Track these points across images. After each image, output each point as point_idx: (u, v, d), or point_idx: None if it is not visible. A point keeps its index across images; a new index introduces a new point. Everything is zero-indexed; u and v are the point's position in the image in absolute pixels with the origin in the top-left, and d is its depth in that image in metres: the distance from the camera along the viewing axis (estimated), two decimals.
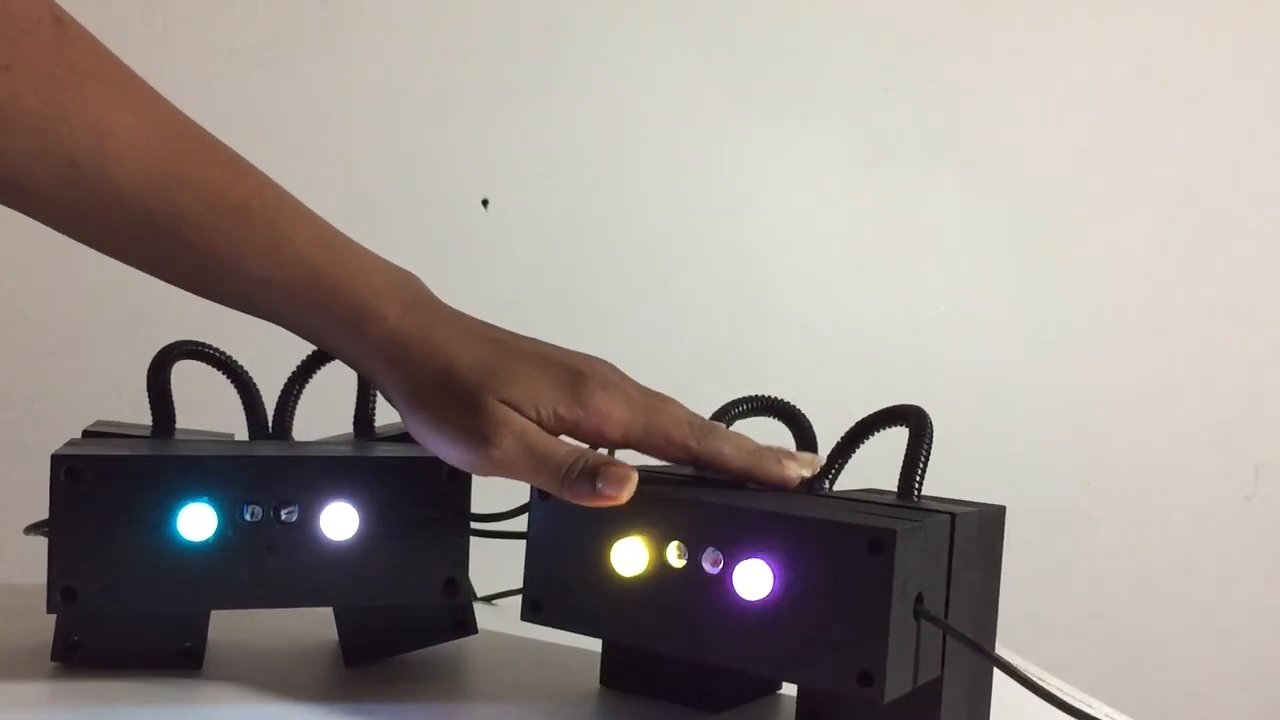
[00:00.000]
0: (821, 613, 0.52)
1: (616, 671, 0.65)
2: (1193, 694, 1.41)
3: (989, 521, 0.59)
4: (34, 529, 0.61)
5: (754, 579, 0.53)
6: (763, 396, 0.65)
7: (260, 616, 0.71)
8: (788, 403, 0.65)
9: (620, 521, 0.57)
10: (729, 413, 0.65)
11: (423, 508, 0.61)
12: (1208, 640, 1.41)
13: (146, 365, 0.66)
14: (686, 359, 1.25)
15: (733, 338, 1.29)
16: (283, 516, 0.59)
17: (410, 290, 0.60)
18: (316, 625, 0.70)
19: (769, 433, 0.64)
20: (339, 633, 0.66)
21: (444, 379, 0.58)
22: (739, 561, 0.54)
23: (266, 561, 0.59)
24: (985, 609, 0.59)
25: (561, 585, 0.59)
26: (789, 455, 0.62)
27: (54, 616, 0.61)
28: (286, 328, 0.61)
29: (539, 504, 0.60)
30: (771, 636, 0.53)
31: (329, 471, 0.60)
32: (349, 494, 0.60)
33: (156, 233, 0.58)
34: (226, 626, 0.67)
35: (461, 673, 0.66)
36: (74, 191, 0.56)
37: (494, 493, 0.67)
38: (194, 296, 0.61)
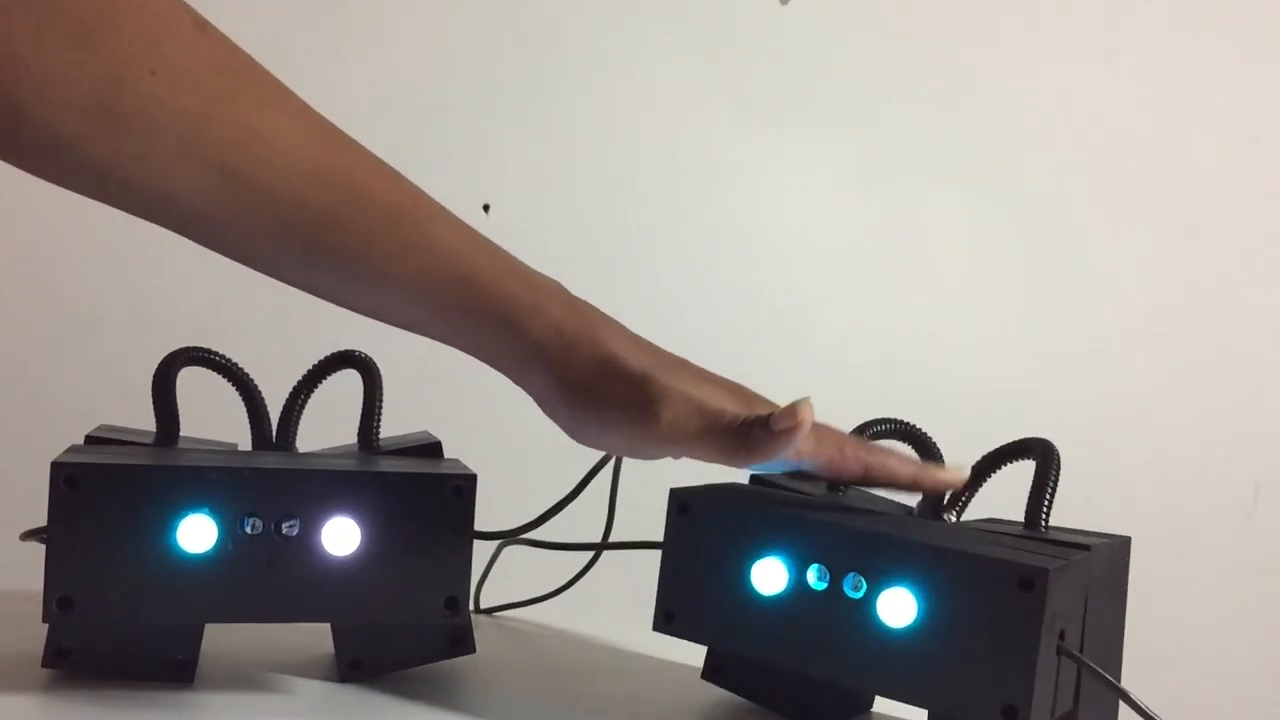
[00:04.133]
0: (967, 644, 0.52)
1: (719, 669, 0.65)
2: (1190, 712, 1.40)
3: (1118, 552, 0.61)
4: (31, 535, 0.61)
5: (898, 606, 0.54)
6: (901, 421, 0.66)
7: (255, 630, 0.70)
8: (923, 431, 0.65)
9: (761, 541, 0.58)
10: (865, 431, 0.65)
11: (425, 524, 0.61)
12: (1206, 658, 1.40)
13: (152, 368, 0.65)
14: None
15: (732, 349, 1.28)
16: (284, 530, 0.58)
17: (566, 292, 0.60)
18: (312, 639, 0.69)
19: None
20: (335, 647, 0.65)
21: (610, 365, 0.57)
22: (883, 588, 0.54)
23: (266, 575, 0.58)
24: (1113, 640, 0.61)
25: (697, 599, 0.60)
26: (945, 469, 0.62)
27: (47, 624, 0.61)
28: (432, 333, 0.61)
29: (677, 518, 0.60)
30: (913, 664, 0.54)
31: (331, 485, 0.59)
32: (351, 508, 0.59)
33: (307, 236, 0.57)
34: (220, 639, 0.66)
35: (459, 690, 0.66)
36: (221, 196, 0.55)
37: (493, 512, 0.67)
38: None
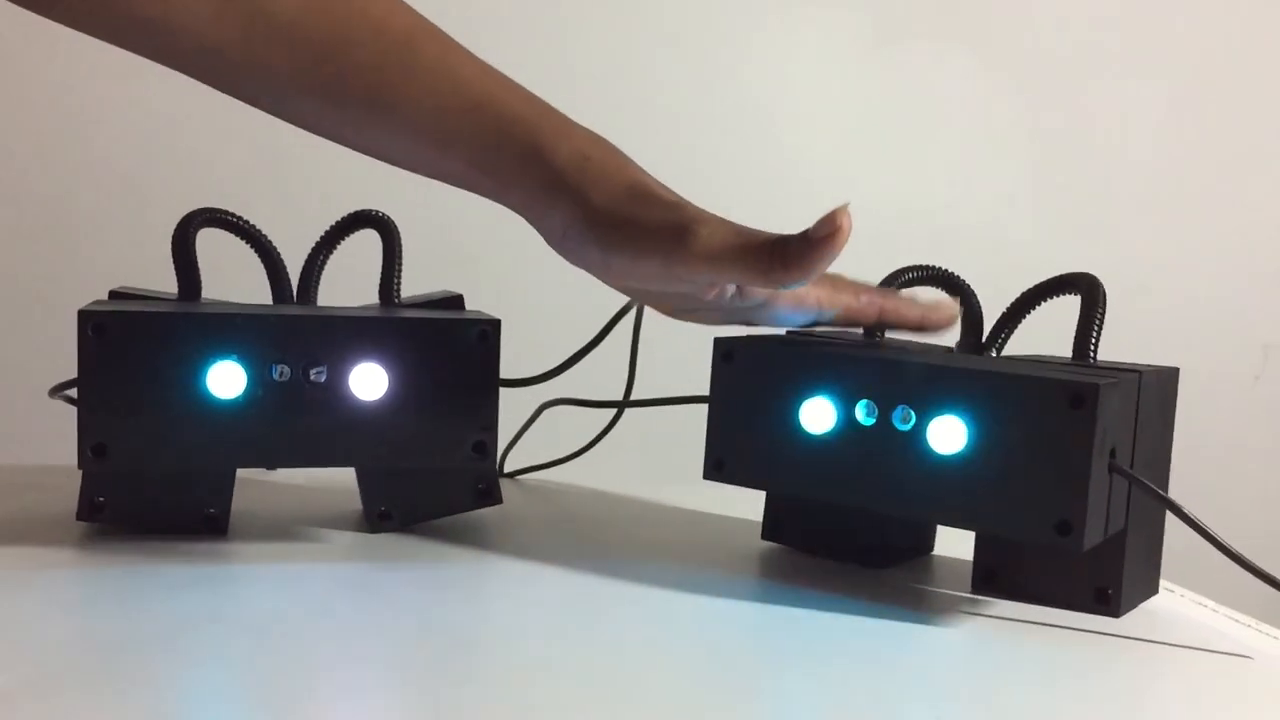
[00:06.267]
0: (1019, 465, 0.53)
1: (778, 526, 0.66)
2: (1194, 574, 1.42)
3: (1165, 381, 0.61)
4: (59, 389, 0.61)
5: (949, 434, 0.54)
6: (933, 267, 0.65)
7: (283, 488, 0.71)
8: (956, 275, 0.65)
9: (808, 381, 0.58)
10: (898, 279, 0.65)
11: (452, 369, 0.61)
12: (1212, 522, 1.42)
13: (168, 236, 0.65)
14: None
15: (741, 216, 1.28)
16: (311, 376, 0.59)
17: (584, 127, 0.59)
18: (339, 496, 0.70)
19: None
20: (362, 500, 0.66)
21: (640, 190, 0.56)
22: (932, 417, 0.55)
23: (295, 421, 0.59)
24: (1161, 466, 0.61)
25: (746, 444, 0.60)
26: (944, 303, 0.63)
27: (78, 491, 0.61)
28: (445, 169, 0.59)
29: (722, 365, 0.60)
30: (966, 489, 0.54)
31: (358, 332, 0.60)
32: (378, 355, 0.60)
33: (313, 62, 0.56)
34: (250, 496, 0.67)
35: (487, 539, 0.66)
36: (229, 25, 0.55)
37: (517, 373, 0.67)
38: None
